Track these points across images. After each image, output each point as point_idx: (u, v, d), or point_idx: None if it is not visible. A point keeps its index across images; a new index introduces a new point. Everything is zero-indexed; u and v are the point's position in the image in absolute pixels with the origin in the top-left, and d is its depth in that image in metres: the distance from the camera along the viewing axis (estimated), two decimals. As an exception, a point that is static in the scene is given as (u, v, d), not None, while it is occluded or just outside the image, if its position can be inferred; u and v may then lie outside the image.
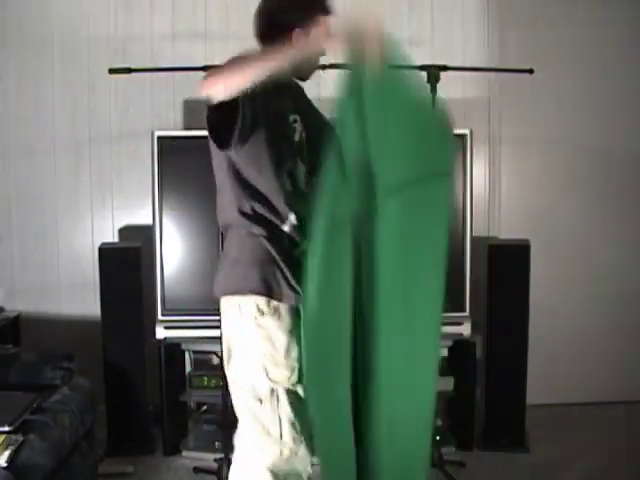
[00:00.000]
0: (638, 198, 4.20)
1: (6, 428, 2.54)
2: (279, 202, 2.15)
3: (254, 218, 2.15)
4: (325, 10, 2.21)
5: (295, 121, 2.23)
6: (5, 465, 2.38)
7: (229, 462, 3.07)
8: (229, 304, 2.22)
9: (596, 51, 4.09)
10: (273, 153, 2.14)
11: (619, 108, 4.13)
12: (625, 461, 3.50)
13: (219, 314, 3.02)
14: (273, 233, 2.15)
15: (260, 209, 2.14)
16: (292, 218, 2.16)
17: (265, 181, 2.14)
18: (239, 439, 2.26)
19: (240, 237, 2.18)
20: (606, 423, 3.95)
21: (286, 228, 2.16)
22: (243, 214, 2.16)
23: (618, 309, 4.20)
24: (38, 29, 3.97)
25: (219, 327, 3.04)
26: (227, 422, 2.98)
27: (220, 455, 3.31)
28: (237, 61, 2.00)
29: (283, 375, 2.13)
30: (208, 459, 3.41)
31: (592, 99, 4.11)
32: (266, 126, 2.11)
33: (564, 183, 4.17)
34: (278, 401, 2.13)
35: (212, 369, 3.82)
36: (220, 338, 3.04)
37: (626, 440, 3.73)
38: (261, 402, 2.13)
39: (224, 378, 3.05)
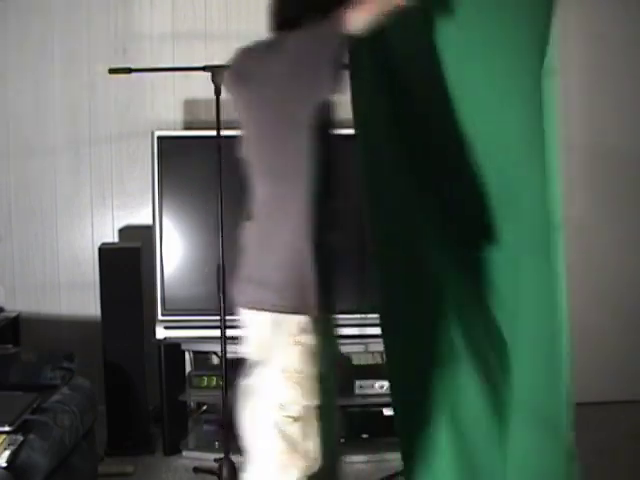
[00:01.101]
0: (638, 198, 4.20)
1: (6, 428, 2.54)
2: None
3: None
4: None
5: None
6: (5, 465, 2.38)
7: (229, 462, 3.08)
8: (260, 317, 2.12)
9: (596, 51, 4.09)
10: None
11: (619, 108, 4.13)
12: (625, 461, 3.50)
13: (219, 314, 3.04)
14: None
15: None
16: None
17: None
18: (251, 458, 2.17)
19: (282, 246, 2.10)
20: (606, 423, 3.95)
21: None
22: None
23: (619, 310, 4.20)
24: (38, 29, 3.97)
25: (219, 327, 3.07)
26: (227, 422, 2.97)
27: (220, 455, 3.30)
28: None
29: (316, 392, 2.08)
30: (208, 459, 3.40)
31: (592, 99, 4.11)
32: None
33: (564, 183, 4.15)
34: (310, 418, 2.08)
35: (212, 369, 3.82)
36: (220, 338, 3.07)
37: (625, 440, 3.73)
38: (294, 420, 2.07)
39: (224, 378, 3.08)
